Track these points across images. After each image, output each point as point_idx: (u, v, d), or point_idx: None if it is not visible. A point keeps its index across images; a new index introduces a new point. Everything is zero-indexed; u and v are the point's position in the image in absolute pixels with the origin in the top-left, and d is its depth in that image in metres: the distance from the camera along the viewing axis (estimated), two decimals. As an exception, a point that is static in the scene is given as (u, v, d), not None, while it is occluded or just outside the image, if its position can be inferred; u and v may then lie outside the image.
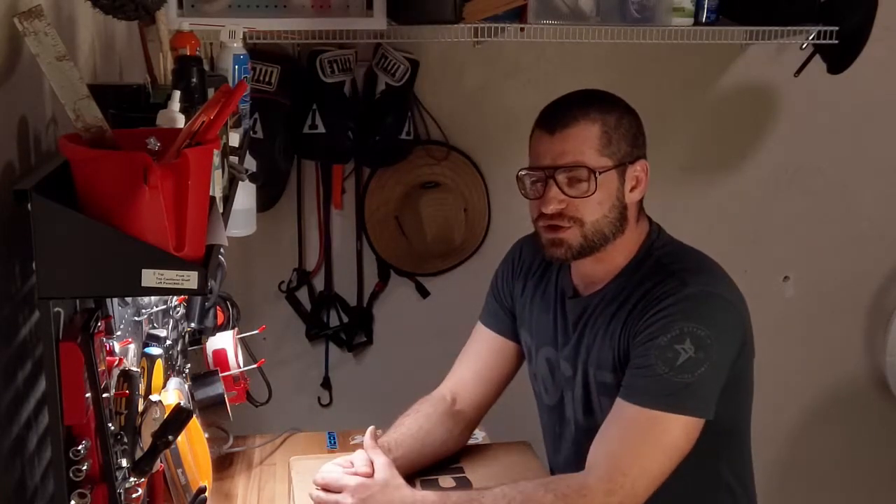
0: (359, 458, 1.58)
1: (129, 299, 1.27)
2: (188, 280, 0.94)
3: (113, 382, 1.11)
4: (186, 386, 1.55)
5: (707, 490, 1.63)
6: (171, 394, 1.39)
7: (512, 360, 1.80)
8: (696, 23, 2.26)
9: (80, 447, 1.00)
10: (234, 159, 1.41)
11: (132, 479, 1.10)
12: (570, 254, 1.56)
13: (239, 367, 1.78)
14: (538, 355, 1.73)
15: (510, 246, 1.85)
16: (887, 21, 2.45)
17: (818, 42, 2.32)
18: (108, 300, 1.14)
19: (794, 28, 2.30)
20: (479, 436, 1.90)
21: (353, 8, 2.17)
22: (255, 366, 1.81)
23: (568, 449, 1.69)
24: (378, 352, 2.69)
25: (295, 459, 1.79)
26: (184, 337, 1.64)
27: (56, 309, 0.97)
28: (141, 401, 1.17)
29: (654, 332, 1.49)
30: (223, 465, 1.80)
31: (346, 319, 2.65)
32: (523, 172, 1.59)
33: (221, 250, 1.30)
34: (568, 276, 1.68)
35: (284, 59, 2.33)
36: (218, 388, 1.69)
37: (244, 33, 1.73)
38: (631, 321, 1.53)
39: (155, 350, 1.34)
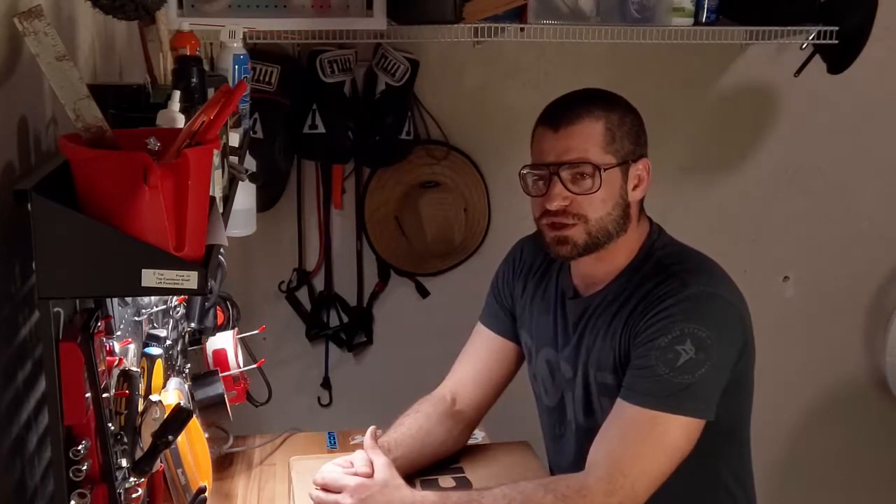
0: (358, 459, 1.58)
1: (129, 299, 1.27)
2: (188, 280, 0.94)
3: (113, 382, 1.11)
4: (186, 386, 1.55)
5: (707, 491, 1.63)
6: (171, 394, 1.39)
7: (512, 361, 1.80)
8: (696, 23, 2.26)
9: (80, 447, 1.00)
10: (234, 159, 1.41)
11: (132, 479, 1.10)
12: (575, 251, 1.56)
13: (239, 367, 1.78)
14: (538, 356, 1.73)
15: (510, 246, 1.85)
16: (887, 21, 2.45)
17: (818, 42, 2.32)
18: (108, 300, 1.14)
19: (794, 28, 2.30)
20: (478, 436, 1.90)
21: (353, 8, 2.17)
22: (255, 366, 1.81)
23: (568, 450, 1.69)
24: (378, 352, 2.69)
25: (295, 459, 1.79)
26: (184, 337, 1.64)
27: (56, 309, 0.97)
28: (141, 401, 1.17)
29: (655, 333, 1.49)
30: (223, 465, 1.80)
31: (346, 319, 2.65)
32: (526, 170, 1.59)
33: (221, 250, 1.30)
34: (568, 277, 1.68)
35: (284, 59, 2.33)
36: (218, 388, 1.69)
37: (244, 33, 1.73)
38: (632, 322, 1.53)
39: (155, 350, 1.34)
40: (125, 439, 1.10)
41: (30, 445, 1.08)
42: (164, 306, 1.45)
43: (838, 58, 2.37)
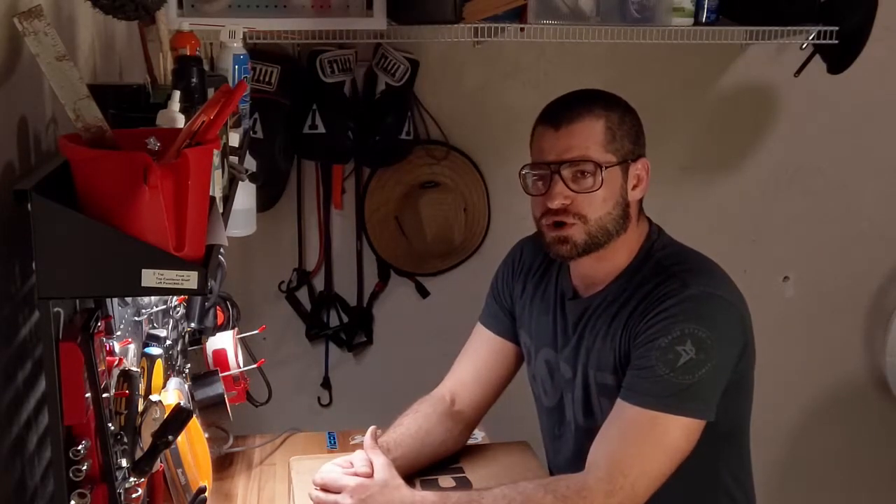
0: (358, 459, 1.58)
1: (129, 299, 1.27)
2: (188, 280, 0.94)
3: (113, 382, 1.11)
4: (186, 386, 1.55)
5: (706, 491, 1.63)
6: (171, 394, 1.39)
7: (511, 362, 1.80)
8: (696, 23, 2.26)
9: (80, 447, 1.00)
10: (234, 159, 1.41)
11: (132, 479, 1.10)
12: (575, 251, 1.56)
13: (239, 367, 1.78)
14: (537, 357, 1.73)
15: (510, 246, 1.85)
16: (887, 21, 2.45)
17: (818, 42, 2.32)
18: (108, 300, 1.14)
19: (794, 28, 2.30)
20: (478, 436, 1.90)
21: (353, 8, 2.17)
22: (255, 366, 1.81)
23: (568, 450, 1.69)
24: (378, 352, 2.69)
25: (295, 459, 1.79)
26: (184, 337, 1.64)
27: (56, 309, 0.97)
28: (141, 401, 1.17)
29: (655, 334, 1.49)
30: (223, 465, 1.80)
31: (346, 319, 2.65)
32: (526, 169, 1.59)
33: (221, 250, 1.30)
34: (568, 278, 1.68)
35: (284, 59, 2.33)
36: (218, 388, 1.69)
37: (244, 33, 1.73)
38: (632, 322, 1.53)
39: (155, 350, 1.34)
40: (125, 439, 1.10)
41: (30, 445, 1.08)
42: (164, 306, 1.45)
43: (838, 58, 2.37)
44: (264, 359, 1.85)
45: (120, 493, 1.07)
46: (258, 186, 1.82)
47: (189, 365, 1.65)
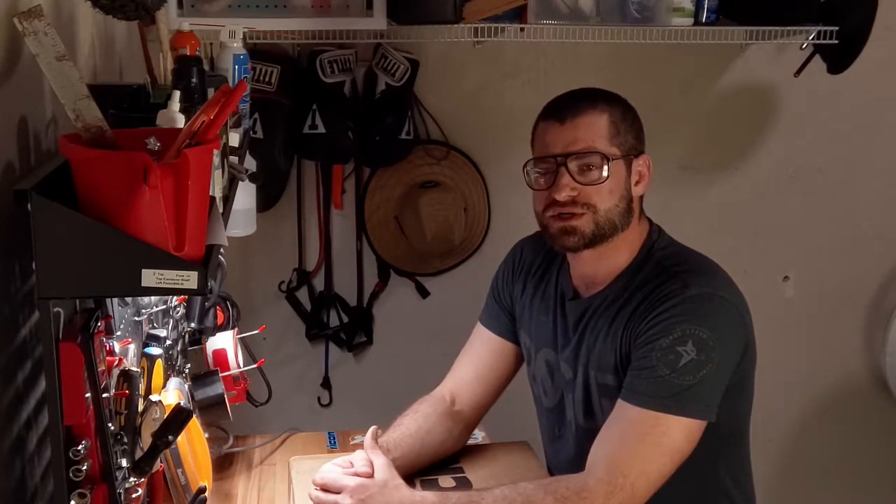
0: (358, 459, 1.58)
1: (129, 299, 1.27)
2: (188, 280, 0.94)
3: (113, 382, 1.11)
4: (186, 386, 1.55)
5: (706, 492, 1.62)
6: (171, 394, 1.39)
7: (511, 362, 1.80)
8: (696, 23, 2.26)
9: (80, 447, 1.00)
10: (234, 159, 1.41)
11: (132, 479, 1.10)
12: (581, 242, 1.56)
13: (239, 367, 1.77)
14: (537, 357, 1.73)
15: (510, 246, 1.85)
16: (887, 21, 2.45)
17: (818, 42, 2.32)
18: (108, 300, 1.14)
19: (794, 28, 2.30)
20: (478, 436, 1.90)
21: (353, 8, 2.17)
22: (255, 366, 1.81)
23: (568, 451, 1.69)
24: (378, 352, 2.69)
25: (295, 459, 1.78)
26: (184, 337, 1.64)
27: (56, 309, 0.97)
28: (141, 401, 1.17)
29: (656, 334, 1.49)
30: (223, 465, 1.80)
31: (346, 319, 2.65)
32: (531, 163, 1.59)
33: (221, 250, 1.30)
34: (568, 278, 1.68)
35: (284, 59, 2.33)
36: (218, 388, 1.69)
37: (244, 33, 1.73)
38: (632, 323, 1.53)
39: (155, 350, 1.34)
40: (125, 439, 1.10)
41: (30, 445, 1.08)
42: (164, 306, 1.45)
43: (838, 58, 2.37)
44: (264, 359, 1.85)
45: (120, 493, 1.07)
46: (258, 186, 1.81)
47: (189, 365, 1.65)
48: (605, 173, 1.53)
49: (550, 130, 1.57)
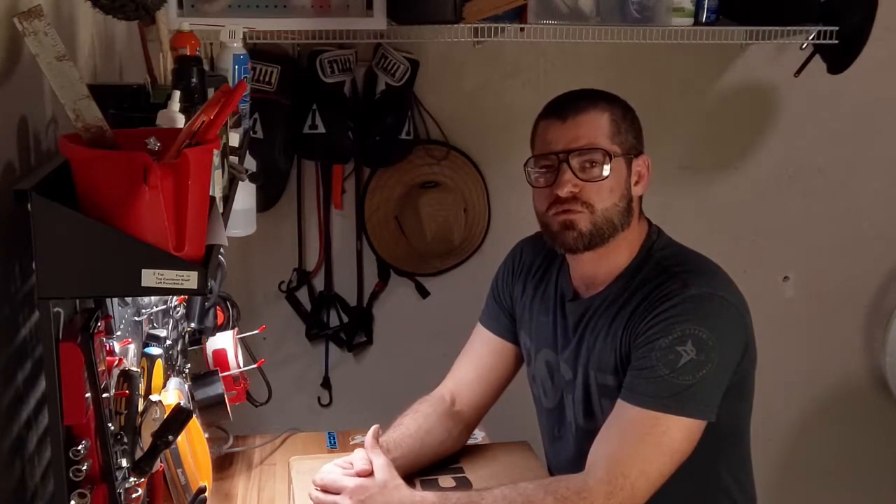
0: (358, 458, 1.58)
1: (129, 299, 1.27)
2: (188, 280, 0.94)
3: (113, 382, 1.11)
4: (186, 386, 1.55)
5: (706, 492, 1.62)
6: (171, 394, 1.39)
7: (511, 362, 1.80)
8: (696, 23, 2.26)
9: (80, 447, 1.00)
10: (234, 159, 1.41)
11: (132, 479, 1.10)
12: (581, 240, 1.56)
13: (239, 367, 1.77)
14: (537, 358, 1.73)
15: (510, 246, 1.85)
16: (887, 21, 2.45)
17: (818, 42, 2.32)
18: (108, 300, 1.14)
19: (794, 28, 2.30)
20: (478, 436, 1.90)
21: (353, 8, 2.17)
22: (255, 366, 1.81)
23: (568, 451, 1.69)
24: (378, 352, 2.69)
25: (295, 459, 1.78)
26: (184, 337, 1.64)
27: (56, 309, 0.97)
28: (141, 401, 1.17)
29: (656, 334, 1.49)
30: (223, 465, 1.80)
31: (346, 319, 2.65)
32: (532, 161, 1.60)
33: (221, 250, 1.30)
34: (568, 279, 1.68)
35: (284, 59, 2.33)
36: (218, 388, 1.69)
37: (244, 33, 1.73)
38: (632, 323, 1.53)
39: (155, 350, 1.34)
40: (125, 439, 1.10)
41: (30, 445, 1.08)
42: (164, 306, 1.45)
43: (838, 58, 2.37)
44: (264, 359, 1.85)
45: (120, 493, 1.07)
46: (258, 186, 1.81)
47: (189, 365, 1.65)
48: (606, 171, 1.53)
49: (552, 128, 1.57)
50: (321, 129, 2.34)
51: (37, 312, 1.02)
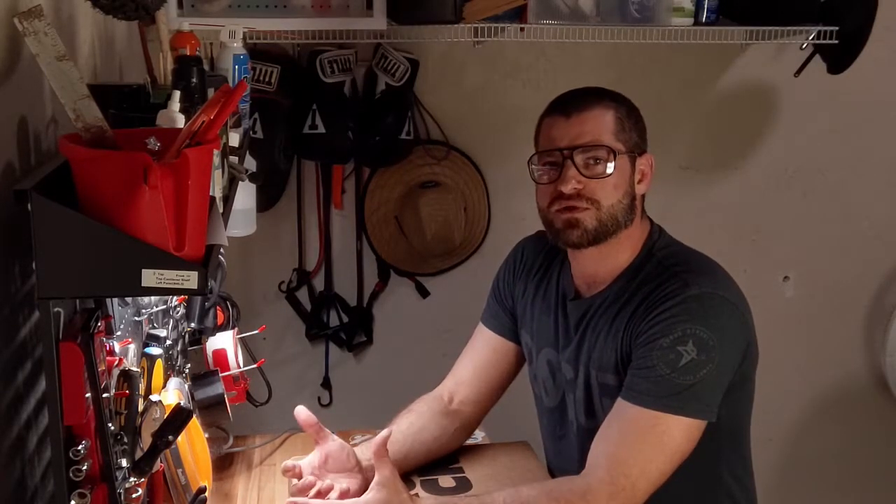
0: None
1: (129, 299, 1.27)
2: (188, 280, 0.94)
3: (113, 382, 1.11)
4: (186, 386, 1.55)
5: (707, 492, 1.62)
6: (171, 394, 1.39)
7: (512, 362, 1.80)
8: (696, 23, 2.26)
9: (80, 447, 1.00)
10: (234, 159, 1.41)
11: (132, 479, 1.10)
12: (585, 238, 1.55)
13: (239, 367, 1.77)
14: (539, 357, 1.73)
15: (510, 246, 1.85)
16: (887, 21, 2.45)
17: (818, 42, 2.32)
18: (108, 300, 1.14)
19: (794, 28, 2.30)
20: (478, 436, 1.90)
21: (353, 8, 2.17)
22: (255, 366, 1.81)
23: (569, 451, 1.69)
24: (378, 352, 2.69)
25: (293, 460, 1.78)
26: (184, 337, 1.64)
27: (56, 309, 0.97)
28: (141, 401, 1.17)
29: (657, 334, 1.49)
30: (223, 465, 1.80)
31: (346, 319, 2.64)
32: (536, 158, 1.59)
33: (221, 250, 1.30)
34: (569, 278, 1.68)
35: (284, 59, 2.32)
36: (218, 388, 1.69)
37: (244, 33, 1.73)
38: (633, 322, 1.53)
39: (155, 350, 1.34)
40: (125, 439, 1.10)
41: (30, 445, 1.08)
42: (164, 306, 1.45)
43: (838, 58, 2.37)
44: (264, 359, 1.85)
45: (120, 493, 1.07)
46: (258, 186, 1.82)
47: (189, 365, 1.65)
48: (610, 168, 1.53)
49: (557, 124, 1.57)
50: (321, 129, 2.34)
51: (37, 312, 1.02)
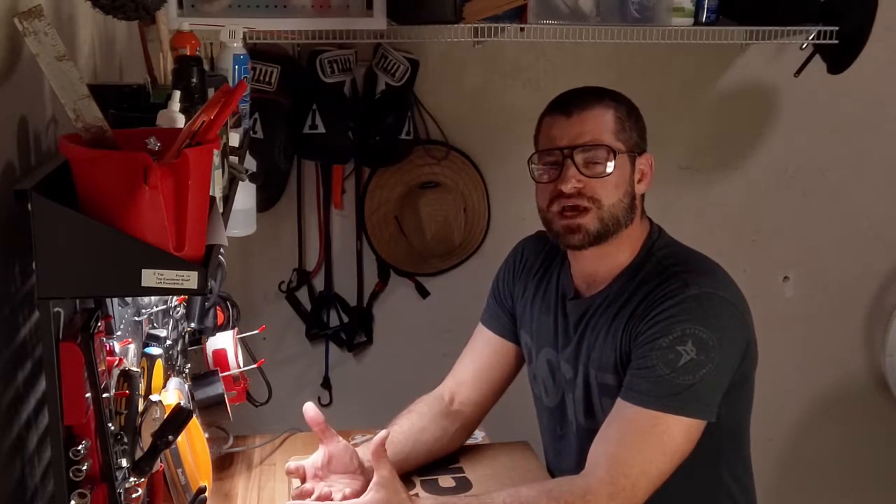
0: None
1: (129, 299, 1.27)
2: (188, 280, 0.94)
3: (113, 382, 1.11)
4: (186, 386, 1.55)
5: (706, 491, 1.62)
6: (171, 394, 1.39)
7: (512, 362, 1.80)
8: (696, 23, 2.26)
9: (80, 447, 1.00)
10: (234, 159, 1.41)
11: (132, 479, 1.10)
12: (587, 240, 1.55)
13: (239, 367, 1.78)
14: (538, 357, 1.73)
15: (510, 246, 1.85)
16: (887, 21, 2.45)
17: (818, 42, 2.32)
18: (108, 300, 1.14)
19: (794, 28, 2.30)
20: (478, 436, 1.90)
21: (353, 8, 2.17)
22: (255, 366, 1.81)
23: (569, 450, 1.69)
24: (378, 352, 2.69)
25: (294, 459, 1.78)
26: (184, 337, 1.64)
27: (56, 309, 0.97)
28: (141, 401, 1.17)
29: (656, 334, 1.49)
30: (223, 465, 1.80)
31: (346, 319, 2.64)
32: (536, 157, 1.59)
33: (221, 250, 1.30)
34: (569, 278, 1.68)
35: (284, 59, 2.32)
36: (218, 388, 1.69)
37: (244, 33, 1.73)
38: (633, 322, 1.53)
39: (155, 350, 1.34)
40: (125, 439, 1.10)
41: (30, 445, 1.08)
42: (164, 306, 1.45)
43: (838, 58, 2.37)
44: (264, 359, 1.85)
45: (120, 493, 1.07)
46: (258, 186, 1.82)
47: (189, 365, 1.65)
48: (610, 167, 1.53)
49: (557, 124, 1.57)
50: (321, 129, 2.34)
51: (37, 312, 1.02)
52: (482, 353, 1.80)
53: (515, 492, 1.47)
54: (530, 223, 1.73)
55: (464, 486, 1.66)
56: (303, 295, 2.62)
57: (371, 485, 1.44)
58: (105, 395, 1.05)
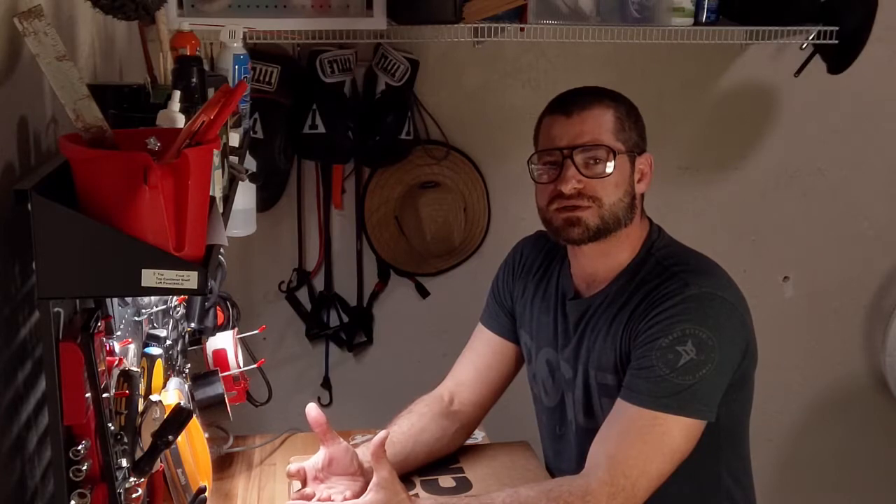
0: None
1: (129, 299, 1.27)
2: (188, 280, 0.94)
3: (113, 382, 1.11)
4: (186, 386, 1.55)
5: (706, 492, 1.62)
6: (171, 394, 1.39)
7: (511, 362, 1.80)
8: (696, 23, 2.26)
9: (80, 447, 1.00)
10: (234, 159, 1.41)
11: (132, 479, 1.10)
12: (586, 234, 1.56)
13: (239, 367, 1.78)
14: (538, 357, 1.73)
15: (510, 246, 1.85)
16: (887, 21, 2.45)
17: (818, 42, 2.32)
18: (108, 300, 1.14)
19: (794, 28, 2.30)
20: (478, 436, 1.90)
21: (353, 8, 2.17)
22: (255, 366, 1.81)
23: (569, 450, 1.69)
24: (378, 352, 2.69)
25: (295, 460, 1.78)
26: (184, 337, 1.64)
27: (56, 309, 0.97)
28: (141, 401, 1.17)
29: (656, 334, 1.49)
30: (223, 465, 1.80)
31: (346, 319, 2.65)
32: (536, 157, 1.59)
33: (221, 250, 1.30)
34: (568, 278, 1.68)
35: (284, 59, 2.33)
36: (218, 388, 1.69)
37: (244, 33, 1.73)
38: (632, 322, 1.53)
39: (155, 350, 1.34)
40: (125, 439, 1.10)
41: (30, 445, 1.08)
42: (164, 306, 1.45)
43: (838, 58, 2.37)
44: (264, 359, 1.85)
45: (120, 493, 1.07)
46: (258, 186, 1.82)
47: (189, 365, 1.65)
48: (610, 167, 1.53)
49: (556, 124, 1.57)
50: (321, 129, 2.34)
51: (37, 312, 1.02)
52: (482, 353, 1.80)
53: (515, 492, 1.47)
54: (530, 223, 1.73)
55: (464, 486, 1.66)
56: (303, 295, 2.62)
57: (371, 485, 1.44)
58: (105, 395, 1.05)
